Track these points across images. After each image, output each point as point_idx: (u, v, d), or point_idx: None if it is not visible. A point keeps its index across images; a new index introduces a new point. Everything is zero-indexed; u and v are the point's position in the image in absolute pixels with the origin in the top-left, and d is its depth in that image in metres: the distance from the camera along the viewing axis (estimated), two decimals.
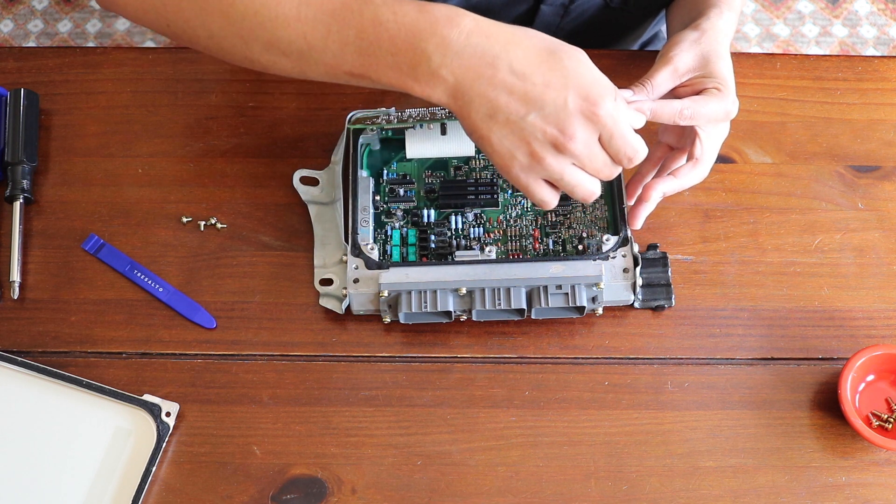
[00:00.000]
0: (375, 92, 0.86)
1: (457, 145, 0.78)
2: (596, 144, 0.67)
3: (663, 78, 0.73)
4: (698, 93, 0.73)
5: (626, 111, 0.67)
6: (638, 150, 0.67)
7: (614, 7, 0.95)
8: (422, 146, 0.78)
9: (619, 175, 0.78)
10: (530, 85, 0.64)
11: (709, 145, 0.74)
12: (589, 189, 0.69)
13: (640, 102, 0.71)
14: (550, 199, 0.70)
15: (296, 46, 0.68)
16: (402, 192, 0.81)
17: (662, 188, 0.74)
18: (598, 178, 0.69)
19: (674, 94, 0.75)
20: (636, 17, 0.99)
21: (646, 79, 0.73)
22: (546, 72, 0.65)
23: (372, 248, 0.76)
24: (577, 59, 0.66)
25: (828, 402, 0.75)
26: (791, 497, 0.72)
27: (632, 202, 0.78)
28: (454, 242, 0.78)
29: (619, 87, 0.70)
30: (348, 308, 0.76)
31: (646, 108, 0.70)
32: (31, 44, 1.77)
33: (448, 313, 0.74)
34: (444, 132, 0.78)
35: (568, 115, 0.65)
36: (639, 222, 0.77)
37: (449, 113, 0.78)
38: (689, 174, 0.75)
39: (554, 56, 0.65)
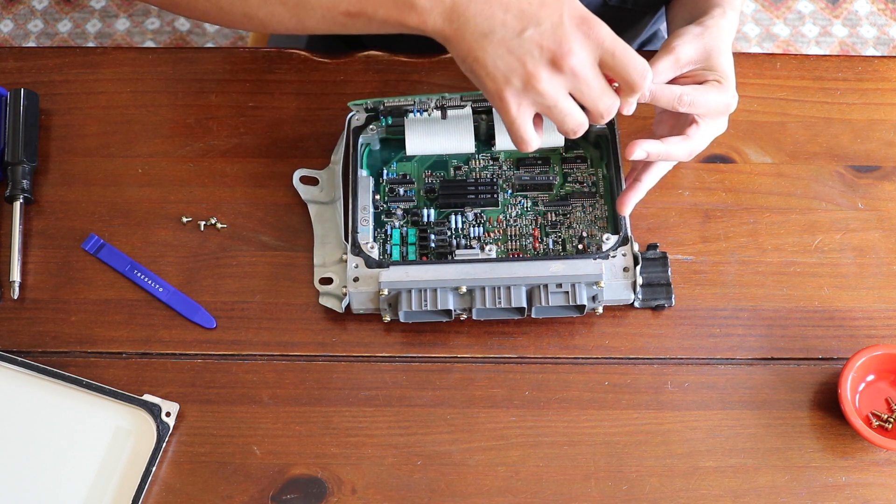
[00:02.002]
0: (375, 92, 0.86)
1: (457, 140, 0.77)
2: (594, 66, 0.66)
3: (664, 66, 0.72)
4: (698, 83, 0.73)
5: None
6: (647, 66, 0.67)
7: (612, 5, 0.95)
8: (421, 142, 0.78)
9: (619, 174, 0.78)
10: (526, 3, 0.65)
11: (704, 131, 0.74)
12: (578, 120, 0.68)
13: None
14: (533, 139, 0.69)
15: None
16: (401, 191, 0.81)
17: (647, 147, 0.73)
18: (596, 109, 0.68)
19: (673, 84, 0.75)
20: (635, 15, 0.99)
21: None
22: None
23: (372, 247, 0.76)
24: None
25: (828, 402, 0.75)
26: (791, 497, 0.72)
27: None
28: (454, 242, 0.78)
29: None
30: (348, 307, 0.76)
31: (645, 90, 0.70)
32: (31, 44, 1.77)
33: (448, 312, 0.74)
34: (444, 116, 0.77)
35: (565, 31, 0.65)
36: (627, 208, 0.76)
37: (450, 95, 0.78)
38: (675, 143, 0.74)
39: None
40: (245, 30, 0.74)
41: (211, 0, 0.71)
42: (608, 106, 0.68)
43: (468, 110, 0.78)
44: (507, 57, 0.65)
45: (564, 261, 0.74)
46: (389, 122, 0.80)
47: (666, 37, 1.10)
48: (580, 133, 0.69)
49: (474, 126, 0.78)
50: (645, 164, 0.77)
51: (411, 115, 0.78)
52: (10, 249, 0.79)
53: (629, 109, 0.69)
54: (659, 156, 0.74)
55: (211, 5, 0.72)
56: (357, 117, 0.81)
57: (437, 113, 0.78)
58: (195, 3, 0.72)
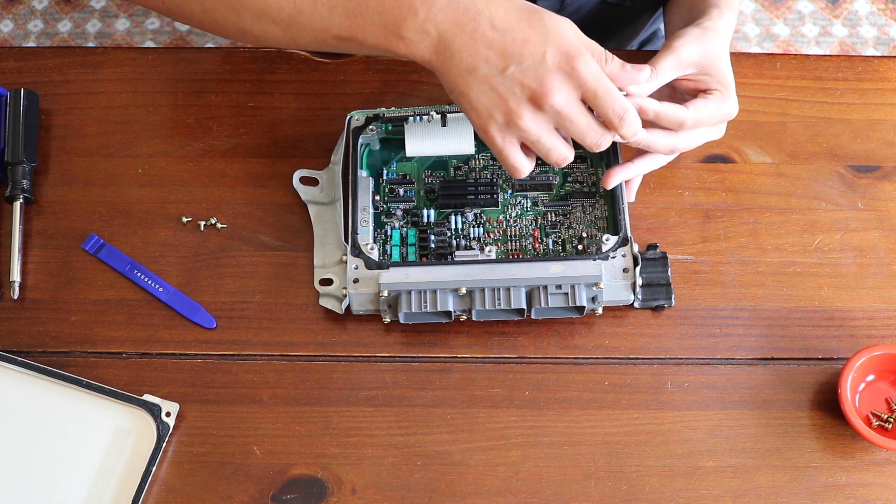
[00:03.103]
0: (375, 92, 0.86)
1: (456, 142, 0.77)
2: (578, 103, 0.67)
3: (668, 65, 0.72)
4: (700, 91, 0.73)
5: (620, 66, 0.67)
6: (627, 107, 0.67)
7: (611, 3, 0.95)
8: (421, 143, 0.78)
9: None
10: (510, 40, 0.65)
11: (695, 133, 0.74)
12: (563, 154, 0.69)
13: (644, 101, 0.70)
14: (523, 167, 0.70)
15: (286, 13, 0.69)
16: (401, 192, 0.81)
17: (622, 173, 0.74)
18: (585, 142, 0.68)
19: (673, 85, 0.74)
20: (633, 14, 0.99)
21: (649, 65, 0.72)
22: (526, 28, 0.65)
23: (372, 248, 0.76)
24: (559, 21, 0.66)
25: (828, 402, 0.75)
26: (791, 497, 0.72)
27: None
28: (454, 242, 0.78)
29: None
30: (348, 308, 0.76)
31: (650, 109, 0.70)
32: (31, 44, 1.77)
33: (448, 313, 0.74)
34: (444, 123, 0.77)
35: (546, 69, 0.65)
36: (612, 182, 0.76)
37: (450, 105, 0.78)
38: (661, 136, 0.73)
39: (535, 15, 0.66)
40: (240, 42, 0.75)
41: (206, 12, 0.72)
42: (596, 141, 0.68)
43: None
44: (490, 93, 0.66)
45: (564, 262, 0.74)
46: (389, 127, 0.81)
47: (665, 36, 1.10)
48: (564, 164, 0.69)
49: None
50: (640, 151, 0.77)
51: (411, 119, 0.78)
52: (10, 249, 0.79)
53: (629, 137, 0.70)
54: (642, 142, 0.73)
55: (206, 17, 0.73)
56: (357, 118, 0.81)
57: (437, 117, 0.78)
58: (190, 14, 0.73)
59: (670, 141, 0.74)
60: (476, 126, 0.68)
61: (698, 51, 0.73)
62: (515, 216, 0.80)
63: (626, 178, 0.77)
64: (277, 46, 0.72)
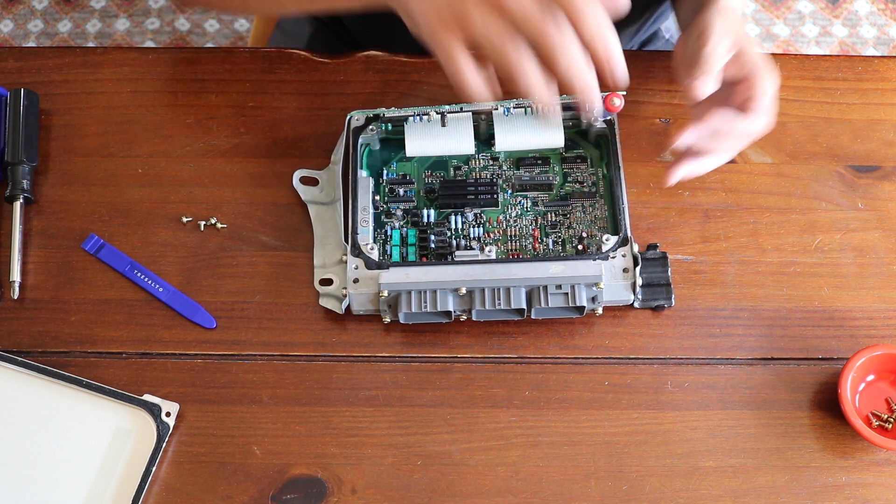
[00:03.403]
0: (375, 92, 0.86)
1: (456, 142, 0.78)
2: (567, 26, 0.61)
3: (721, 49, 0.71)
4: (738, 80, 0.73)
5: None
6: (605, 28, 0.62)
7: None
8: (421, 143, 0.78)
9: (620, 173, 0.78)
10: None
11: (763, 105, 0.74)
12: (518, 57, 0.60)
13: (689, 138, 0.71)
14: (470, 77, 0.63)
15: None
16: (401, 192, 0.81)
17: (725, 116, 0.70)
18: (538, 43, 0.61)
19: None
20: (634, 12, 0.99)
21: (701, 55, 0.71)
22: None
23: (372, 248, 0.76)
24: None
25: (828, 402, 0.75)
26: (791, 497, 0.72)
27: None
28: (454, 242, 0.78)
29: (631, 89, 0.69)
30: (348, 308, 0.76)
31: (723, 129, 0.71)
32: (31, 44, 1.77)
33: (448, 313, 0.74)
34: (444, 123, 0.77)
35: None
36: (673, 179, 0.74)
37: (450, 105, 0.78)
38: (724, 156, 0.74)
39: None
40: (224, 12, 0.75)
41: None
42: (552, 42, 0.60)
43: (468, 112, 0.78)
44: None
45: (564, 262, 0.74)
46: (389, 127, 0.81)
47: (667, 37, 1.10)
48: (525, 80, 0.62)
49: (474, 126, 0.78)
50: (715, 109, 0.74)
51: (411, 119, 0.78)
52: (10, 249, 0.79)
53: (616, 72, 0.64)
54: (733, 126, 0.72)
55: None
56: (357, 118, 0.81)
57: (437, 117, 0.78)
58: None
59: (729, 156, 0.75)
60: (421, 29, 0.64)
61: (730, 31, 0.72)
62: (515, 216, 0.80)
63: (687, 175, 0.74)
64: (259, 12, 0.72)
